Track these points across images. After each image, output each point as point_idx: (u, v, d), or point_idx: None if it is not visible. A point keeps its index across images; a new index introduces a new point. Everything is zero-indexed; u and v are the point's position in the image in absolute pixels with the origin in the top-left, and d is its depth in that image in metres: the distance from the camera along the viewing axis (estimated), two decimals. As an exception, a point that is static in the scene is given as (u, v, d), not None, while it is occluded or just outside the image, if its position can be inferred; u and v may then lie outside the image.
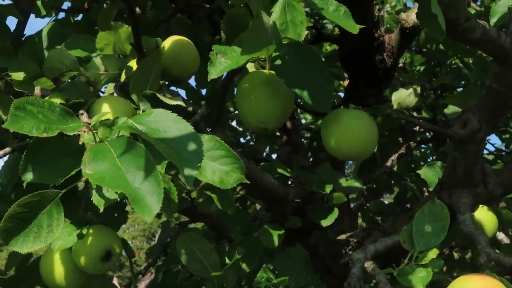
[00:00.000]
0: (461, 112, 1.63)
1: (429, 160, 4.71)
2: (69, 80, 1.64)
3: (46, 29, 1.96)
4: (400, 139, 4.04)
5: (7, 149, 1.69)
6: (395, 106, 3.14)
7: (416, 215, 1.34)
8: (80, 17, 2.60)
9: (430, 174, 2.00)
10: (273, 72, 1.45)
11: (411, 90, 3.13)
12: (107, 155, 1.09)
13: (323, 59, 2.88)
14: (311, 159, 3.84)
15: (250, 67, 1.55)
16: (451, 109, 2.68)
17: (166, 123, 1.15)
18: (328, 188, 1.89)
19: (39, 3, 2.04)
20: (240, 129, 3.92)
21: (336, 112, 1.47)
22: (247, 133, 4.18)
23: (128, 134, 1.21)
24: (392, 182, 4.16)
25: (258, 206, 3.59)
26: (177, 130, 1.14)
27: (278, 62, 1.40)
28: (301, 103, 3.20)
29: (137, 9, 1.51)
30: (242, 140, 4.22)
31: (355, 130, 1.43)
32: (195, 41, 2.49)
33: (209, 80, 1.35)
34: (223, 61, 1.36)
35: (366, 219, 4.20)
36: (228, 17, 1.73)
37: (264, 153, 4.23)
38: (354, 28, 1.44)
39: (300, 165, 3.26)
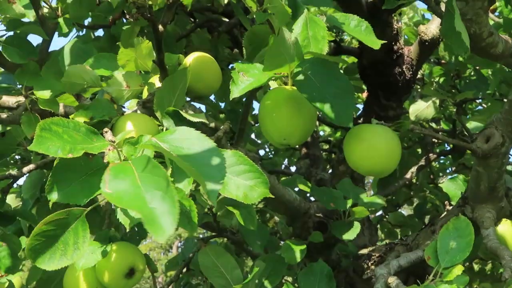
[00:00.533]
0: (484, 127, 1.62)
1: (447, 171, 4.69)
2: (92, 96, 1.65)
3: (68, 46, 1.98)
4: (419, 150, 4.03)
5: (31, 166, 1.71)
6: (412, 118, 3.14)
7: (440, 231, 1.34)
8: (101, 32, 2.63)
9: (452, 187, 1.99)
10: (295, 88, 1.46)
11: (430, 102, 3.13)
12: (128, 173, 1.09)
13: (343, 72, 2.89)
14: (330, 171, 3.84)
15: (273, 83, 1.55)
16: (473, 123, 2.67)
17: (189, 141, 1.15)
18: (349, 204, 1.89)
19: (60, 20, 2.05)
20: (259, 141, 3.93)
21: (359, 127, 1.47)
22: (266, 146, 4.19)
23: (153, 152, 1.21)
24: (412, 193, 4.15)
25: (277, 219, 3.59)
26: (199, 147, 1.14)
27: (300, 77, 1.40)
28: (321, 115, 3.20)
29: (160, 27, 1.52)
30: (261, 152, 4.22)
31: (378, 146, 1.43)
32: (215, 55, 2.51)
33: (231, 99, 1.35)
34: (245, 79, 1.36)
35: (385, 231, 4.19)
36: (250, 33, 1.74)
37: (283, 166, 4.23)
38: (375, 43, 1.45)
39: (320, 178, 3.27)
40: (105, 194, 1.04)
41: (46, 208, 2.46)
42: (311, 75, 1.39)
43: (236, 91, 1.33)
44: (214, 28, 2.68)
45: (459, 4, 1.30)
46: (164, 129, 1.45)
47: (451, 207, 1.96)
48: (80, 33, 2.49)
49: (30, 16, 1.65)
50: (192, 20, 2.79)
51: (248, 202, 1.35)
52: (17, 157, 2.76)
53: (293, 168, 4.15)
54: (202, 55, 1.71)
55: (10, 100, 1.79)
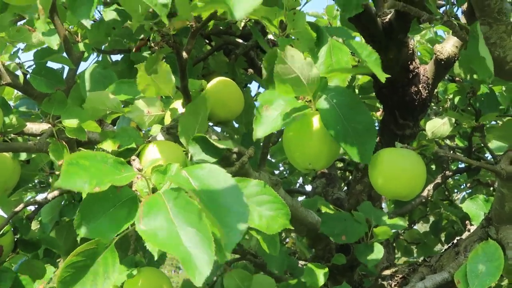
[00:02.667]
0: (507, 148, 1.62)
1: (462, 187, 4.68)
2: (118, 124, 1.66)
3: (88, 71, 2.00)
4: (432, 166, 4.03)
5: (56, 192, 1.72)
6: (429, 135, 3.14)
7: (470, 256, 1.34)
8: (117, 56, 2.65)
9: (473, 207, 1.98)
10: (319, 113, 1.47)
11: (445, 119, 3.13)
12: (161, 208, 1.08)
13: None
14: (344, 189, 3.83)
15: (297, 108, 1.56)
16: (495, 143, 2.67)
17: (216, 180, 1.14)
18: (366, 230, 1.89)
19: (81, 45, 2.08)
20: (273, 160, 3.93)
21: (384, 152, 1.47)
22: (280, 165, 4.19)
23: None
24: (427, 210, 4.14)
25: (293, 236, 3.58)
26: (226, 193, 1.12)
27: (325, 105, 1.41)
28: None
29: (184, 54, 1.53)
30: (275, 171, 4.22)
31: (403, 170, 1.43)
32: (232, 78, 2.53)
33: (254, 140, 1.35)
34: (269, 114, 1.36)
35: (401, 248, 4.18)
36: (269, 55, 1.75)
37: (298, 184, 4.23)
38: (381, 76, 1.45)
39: (336, 197, 3.27)
40: (140, 231, 1.04)
41: (64, 232, 2.48)
42: (336, 105, 1.40)
43: (260, 131, 1.33)
44: (231, 51, 2.69)
45: (483, 29, 1.30)
46: (190, 156, 1.46)
47: (471, 226, 1.95)
48: (99, 58, 2.51)
49: (53, 44, 1.67)
50: (207, 41, 2.81)
51: (270, 232, 1.36)
52: (35, 180, 2.77)
53: (308, 187, 4.16)
54: (225, 80, 1.73)
55: (33, 127, 1.80)
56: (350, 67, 1.49)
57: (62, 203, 2.46)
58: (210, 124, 1.77)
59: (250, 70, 3.10)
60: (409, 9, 1.32)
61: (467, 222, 2.00)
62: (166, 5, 1.19)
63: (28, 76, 1.45)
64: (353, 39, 1.57)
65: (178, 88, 1.61)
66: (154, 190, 1.20)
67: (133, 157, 1.37)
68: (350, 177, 3.95)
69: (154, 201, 1.11)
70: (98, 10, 2.50)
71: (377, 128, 3.51)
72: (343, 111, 1.38)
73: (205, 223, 1.02)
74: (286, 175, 4.23)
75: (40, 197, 1.82)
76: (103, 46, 2.37)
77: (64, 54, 1.54)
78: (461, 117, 2.92)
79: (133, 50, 1.53)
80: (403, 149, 1.48)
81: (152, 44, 1.46)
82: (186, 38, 1.56)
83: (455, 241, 1.88)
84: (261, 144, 1.80)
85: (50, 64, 1.86)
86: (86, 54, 2.08)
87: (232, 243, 1.02)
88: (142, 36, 2.14)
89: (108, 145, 1.42)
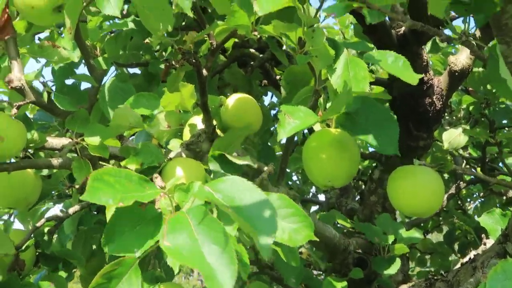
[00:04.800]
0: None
1: (474, 195, 4.68)
2: (136, 138, 1.68)
3: (107, 85, 2.02)
4: (446, 175, 4.03)
5: (77, 207, 1.74)
6: (445, 146, 3.14)
7: (489, 274, 1.34)
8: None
9: (490, 222, 1.99)
10: (339, 130, 1.48)
11: (460, 130, 3.13)
12: (185, 226, 1.10)
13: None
14: (357, 198, 3.84)
15: (316, 125, 1.58)
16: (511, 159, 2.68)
17: (241, 191, 1.16)
18: (391, 239, 1.90)
19: (100, 59, 2.10)
20: (287, 170, 3.94)
21: (402, 169, 1.49)
22: (293, 174, 4.20)
23: (204, 201, 1.23)
24: (441, 220, 4.14)
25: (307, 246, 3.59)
26: (251, 198, 1.15)
27: (343, 117, 1.43)
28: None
29: (204, 71, 1.55)
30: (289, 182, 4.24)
31: (422, 188, 1.45)
32: (248, 91, 2.55)
33: (278, 140, 1.38)
34: (291, 121, 1.39)
35: (415, 258, 4.18)
36: (288, 72, 1.77)
37: (310, 194, 4.24)
38: (413, 79, 1.46)
39: (350, 207, 3.28)
40: (164, 248, 1.06)
41: (82, 240, 2.50)
42: (354, 114, 1.43)
43: (283, 133, 1.35)
44: (246, 62, 2.71)
45: (501, 48, 1.31)
46: (211, 174, 1.48)
47: (488, 240, 1.96)
48: (116, 72, 2.54)
49: (75, 58, 1.69)
50: (221, 53, 2.83)
51: (293, 245, 1.37)
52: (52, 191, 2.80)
53: (321, 197, 4.17)
54: (244, 96, 1.74)
55: (54, 142, 1.82)
56: (367, 81, 1.50)
57: (83, 214, 2.49)
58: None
59: (265, 81, 3.12)
60: (428, 29, 1.33)
61: (483, 235, 2.01)
62: (189, -1, 1.21)
63: (52, 94, 1.47)
64: (370, 50, 1.59)
65: (198, 104, 1.63)
66: (177, 208, 1.22)
67: (155, 174, 1.39)
68: (363, 186, 3.95)
69: (178, 219, 1.13)
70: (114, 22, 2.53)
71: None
72: (360, 116, 1.43)
73: (229, 240, 1.04)
74: (298, 184, 4.25)
75: (56, 207, 1.85)
76: (121, 59, 2.39)
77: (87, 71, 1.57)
78: (477, 133, 2.93)
79: (161, 78, 1.55)
80: (422, 166, 1.49)
81: (173, 62, 1.48)
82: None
83: (472, 256, 1.89)
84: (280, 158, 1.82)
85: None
86: (105, 68, 2.10)
87: (267, 246, 1.04)
88: (165, 58, 2.17)
89: (131, 163, 1.44)
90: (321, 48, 1.48)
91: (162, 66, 2.32)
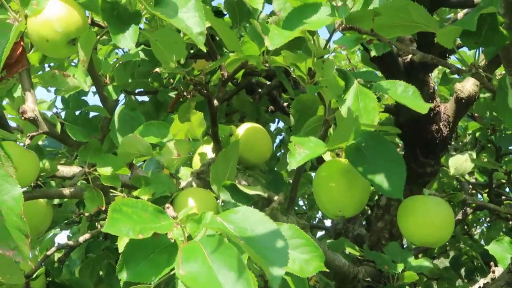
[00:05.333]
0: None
1: (480, 220, 4.68)
2: (151, 171, 1.69)
3: (116, 113, 2.04)
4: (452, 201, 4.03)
5: (87, 235, 1.75)
6: (452, 172, 3.15)
7: (500, 305, 1.35)
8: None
9: (499, 250, 1.99)
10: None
11: (466, 155, 3.14)
12: (198, 254, 1.11)
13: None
14: (363, 223, 3.83)
15: (326, 155, 1.59)
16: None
17: (252, 222, 1.18)
18: (400, 268, 1.90)
19: (110, 87, 2.12)
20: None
21: (413, 199, 1.50)
22: (300, 199, 4.21)
23: (216, 231, 1.24)
24: (447, 245, 4.13)
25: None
26: (263, 229, 1.17)
27: (353, 150, 1.44)
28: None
29: (215, 101, 1.57)
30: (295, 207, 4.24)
31: (433, 219, 1.45)
32: (256, 118, 2.56)
33: (289, 170, 1.39)
34: (301, 151, 1.40)
35: (421, 284, 4.16)
36: (297, 102, 1.78)
37: (317, 219, 4.24)
38: (423, 108, 1.47)
39: (357, 233, 3.28)
40: (180, 276, 1.07)
41: (90, 268, 2.50)
42: (363, 148, 1.43)
43: (294, 163, 1.36)
44: (254, 89, 2.73)
45: (510, 79, 1.33)
46: (221, 201, 1.49)
47: (496, 267, 1.96)
48: (125, 99, 2.56)
49: (85, 87, 1.71)
50: (234, 83, 2.85)
51: (304, 275, 1.37)
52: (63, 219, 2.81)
53: (327, 222, 4.17)
54: (254, 126, 1.76)
55: (65, 170, 1.84)
56: (377, 112, 1.51)
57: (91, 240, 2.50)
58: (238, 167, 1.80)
59: (271, 107, 3.13)
60: (438, 61, 1.35)
61: (491, 263, 2.01)
62: (202, 33, 1.23)
63: (65, 125, 1.49)
64: (379, 80, 1.60)
65: (208, 133, 1.64)
66: (189, 237, 1.23)
67: (167, 205, 1.40)
68: (369, 211, 3.95)
69: (192, 248, 1.14)
70: (124, 51, 2.56)
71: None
72: (369, 152, 1.42)
73: (244, 267, 1.05)
74: (305, 209, 4.25)
75: (63, 233, 1.86)
76: (129, 87, 2.41)
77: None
78: (485, 162, 2.94)
79: (168, 109, 1.58)
80: (432, 196, 1.50)
81: (185, 93, 1.49)
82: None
83: (481, 284, 1.88)
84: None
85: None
86: (114, 96, 2.12)
87: (277, 277, 1.05)
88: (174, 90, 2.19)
89: (144, 194, 1.45)
90: (331, 79, 1.50)
91: (171, 94, 2.34)
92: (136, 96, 2.56)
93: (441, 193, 3.62)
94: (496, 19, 1.26)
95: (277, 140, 3.68)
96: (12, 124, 2.13)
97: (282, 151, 3.62)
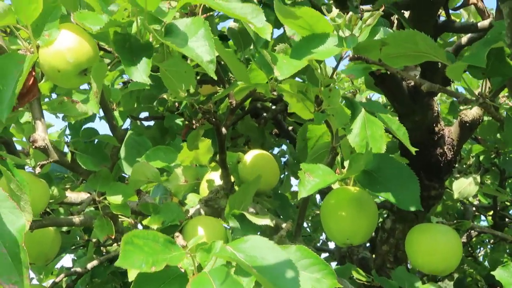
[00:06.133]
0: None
1: (484, 242, 4.67)
2: (161, 200, 1.70)
3: (123, 138, 2.05)
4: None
5: (95, 262, 1.75)
6: (456, 196, 3.15)
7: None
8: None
9: (505, 275, 1.98)
10: (357, 188, 1.50)
11: (470, 179, 3.15)
12: (208, 286, 1.13)
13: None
14: (367, 244, 3.83)
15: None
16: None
17: (263, 251, 1.19)
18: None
19: (116, 113, 2.14)
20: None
21: (421, 227, 1.51)
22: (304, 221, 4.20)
23: (226, 260, 1.25)
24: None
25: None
26: (273, 258, 1.18)
27: (363, 177, 1.45)
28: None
29: (223, 129, 1.58)
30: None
31: (441, 247, 1.46)
32: (262, 143, 2.57)
33: (299, 199, 1.40)
34: (311, 179, 1.41)
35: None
36: (304, 129, 1.80)
37: (321, 240, 4.23)
38: (411, 149, 1.50)
39: (362, 256, 3.27)
40: (190, 308, 1.08)
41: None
42: (374, 172, 1.45)
43: (304, 192, 1.37)
44: (259, 114, 2.74)
45: (517, 108, 1.34)
46: (231, 231, 1.50)
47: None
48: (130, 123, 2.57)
49: (90, 112, 1.72)
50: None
51: (318, 294, 1.38)
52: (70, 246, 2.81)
53: (331, 244, 4.16)
54: (261, 153, 1.77)
55: (72, 196, 1.85)
56: (384, 140, 1.53)
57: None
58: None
59: (275, 130, 3.14)
60: (444, 91, 1.37)
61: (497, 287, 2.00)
62: (212, 61, 1.24)
63: (75, 154, 1.50)
64: (386, 112, 1.61)
65: (216, 160, 1.65)
66: (199, 267, 1.24)
67: (177, 233, 1.41)
68: (374, 234, 3.95)
69: (201, 280, 1.16)
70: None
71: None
72: (379, 174, 1.44)
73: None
74: (309, 231, 4.24)
75: (68, 256, 1.87)
76: (135, 112, 2.43)
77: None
78: (497, 192, 2.94)
79: (181, 137, 1.59)
80: (439, 224, 1.50)
81: (193, 122, 1.51)
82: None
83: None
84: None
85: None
86: (121, 122, 2.13)
87: None
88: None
89: (153, 223, 1.46)
90: (338, 108, 1.51)
91: (178, 120, 2.35)
92: (141, 122, 2.58)
93: (445, 216, 3.63)
94: (503, 50, 1.28)
95: (281, 162, 3.68)
96: (17, 146, 2.14)
97: (286, 173, 3.62)
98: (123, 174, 2.20)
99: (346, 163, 1.54)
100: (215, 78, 1.24)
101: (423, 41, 1.34)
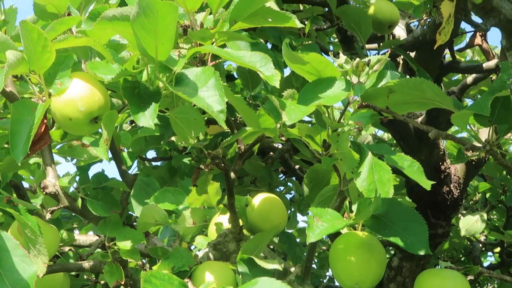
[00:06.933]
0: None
1: (491, 278, 4.63)
2: (171, 245, 1.71)
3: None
4: (463, 258, 4.01)
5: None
6: (463, 233, 3.15)
7: None
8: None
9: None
10: (366, 233, 1.51)
11: (477, 216, 3.15)
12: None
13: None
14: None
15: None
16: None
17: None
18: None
19: (124, 154, 2.15)
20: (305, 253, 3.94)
21: (429, 272, 1.51)
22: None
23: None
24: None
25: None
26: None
27: (371, 221, 1.46)
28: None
29: (232, 174, 1.60)
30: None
31: (449, 293, 1.46)
32: (269, 183, 2.58)
33: (307, 243, 1.41)
34: (319, 224, 1.41)
35: None
36: (311, 171, 1.81)
37: (327, 277, 4.22)
38: (427, 185, 1.50)
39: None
40: None
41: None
42: (382, 217, 1.46)
43: (312, 236, 1.38)
44: (266, 153, 2.76)
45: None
46: (240, 276, 1.50)
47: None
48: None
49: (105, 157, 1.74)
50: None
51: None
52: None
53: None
54: (269, 196, 1.78)
55: (81, 239, 1.86)
56: (392, 184, 1.53)
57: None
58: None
59: (282, 168, 3.16)
60: (452, 138, 1.38)
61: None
62: (223, 111, 1.26)
63: (85, 200, 1.51)
64: (394, 154, 1.62)
65: (225, 204, 1.66)
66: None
67: (186, 279, 1.43)
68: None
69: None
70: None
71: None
72: (387, 218, 1.46)
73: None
74: (316, 268, 4.23)
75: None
76: (143, 153, 2.45)
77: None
78: (505, 237, 2.95)
79: (192, 183, 1.61)
80: (448, 269, 1.50)
81: (202, 167, 1.52)
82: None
83: None
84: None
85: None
86: (129, 163, 2.15)
87: None
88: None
89: (163, 268, 1.47)
90: (346, 152, 1.52)
91: (185, 160, 2.37)
92: (149, 162, 2.60)
93: (452, 253, 3.61)
94: (509, 99, 1.29)
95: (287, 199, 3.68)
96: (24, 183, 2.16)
97: (292, 209, 3.63)
98: (129, 212, 2.21)
99: (354, 207, 1.55)
100: (225, 127, 1.26)
101: (430, 89, 1.36)
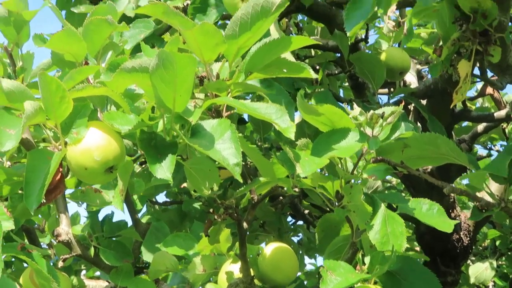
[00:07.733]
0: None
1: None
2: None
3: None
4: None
5: None
6: (472, 280, 3.13)
7: None
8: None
9: None
10: (378, 286, 1.50)
11: (487, 264, 3.13)
12: None
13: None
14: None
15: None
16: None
17: None
18: None
19: (135, 197, 2.15)
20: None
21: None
22: None
23: None
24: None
25: None
26: None
27: (385, 275, 1.45)
28: None
29: (245, 224, 1.59)
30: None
31: None
32: (278, 227, 2.57)
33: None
34: (333, 278, 1.41)
35: None
36: (324, 220, 1.80)
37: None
38: (449, 226, 1.49)
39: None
40: None
41: None
42: (397, 274, 1.45)
43: None
44: (275, 197, 2.75)
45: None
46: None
47: None
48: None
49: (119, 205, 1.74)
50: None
51: None
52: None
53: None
54: (280, 245, 1.77)
55: (91, 284, 1.85)
56: (405, 237, 1.53)
57: None
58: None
59: (290, 212, 3.15)
60: (467, 194, 1.38)
61: None
62: (238, 164, 1.26)
63: (98, 249, 1.51)
64: (407, 202, 1.62)
65: (237, 254, 1.66)
66: None
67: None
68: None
69: None
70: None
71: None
72: (403, 276, 1.44)
73: None
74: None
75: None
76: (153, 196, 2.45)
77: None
78: None
79: (204, 233, 1.61)
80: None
81: (216, 217, 1.52)
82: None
83: None
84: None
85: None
86: (140, 206, 2.15)
87: None
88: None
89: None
90: (359, 204, 1.51)
91: (196, 205, 2.37)
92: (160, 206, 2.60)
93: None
94: (524, 158, 1.29)
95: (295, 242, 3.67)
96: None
97: (300, 252, 3.61)
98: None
99: (366, 259, 1.54)
100: (241, 180, 1.26)
101: (445, 144, 1.36)
